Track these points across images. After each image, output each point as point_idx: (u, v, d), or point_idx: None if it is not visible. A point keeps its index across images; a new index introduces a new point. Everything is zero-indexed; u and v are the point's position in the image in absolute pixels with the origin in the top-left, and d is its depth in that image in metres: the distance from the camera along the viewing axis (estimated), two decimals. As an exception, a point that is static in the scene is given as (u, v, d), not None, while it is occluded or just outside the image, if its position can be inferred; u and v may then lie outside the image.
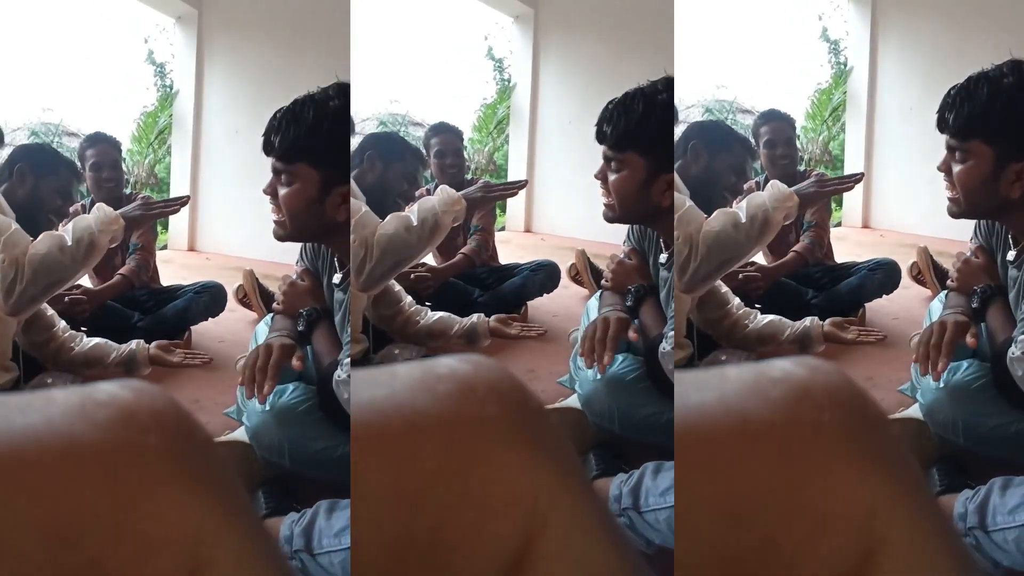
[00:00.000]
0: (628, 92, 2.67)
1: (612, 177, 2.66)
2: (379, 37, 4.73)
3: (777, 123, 3.88)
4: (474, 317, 3.16)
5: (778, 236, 3.69)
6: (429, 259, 3.77)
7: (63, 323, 3.03)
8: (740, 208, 2.63)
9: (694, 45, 4.69)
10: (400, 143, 3.93)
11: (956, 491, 2.29)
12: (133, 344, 3.03)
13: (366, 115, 4.69)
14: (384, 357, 3.00)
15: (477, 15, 4.75)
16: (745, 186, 3.69)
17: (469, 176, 4.08)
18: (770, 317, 2.98)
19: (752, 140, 3.84)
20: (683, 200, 2.64)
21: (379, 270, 2.72)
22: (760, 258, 3.62)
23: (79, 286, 3.56)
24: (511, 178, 4.51)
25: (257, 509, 2.49)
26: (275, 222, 2.59)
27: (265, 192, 2.58)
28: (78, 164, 3.81)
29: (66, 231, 2.65)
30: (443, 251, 3.79)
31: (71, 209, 3.83)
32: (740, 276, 3.38)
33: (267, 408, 2.63)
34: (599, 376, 2.73)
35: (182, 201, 2.98)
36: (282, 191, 2.49)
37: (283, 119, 2.51)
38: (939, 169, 2.46)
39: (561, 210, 3.89)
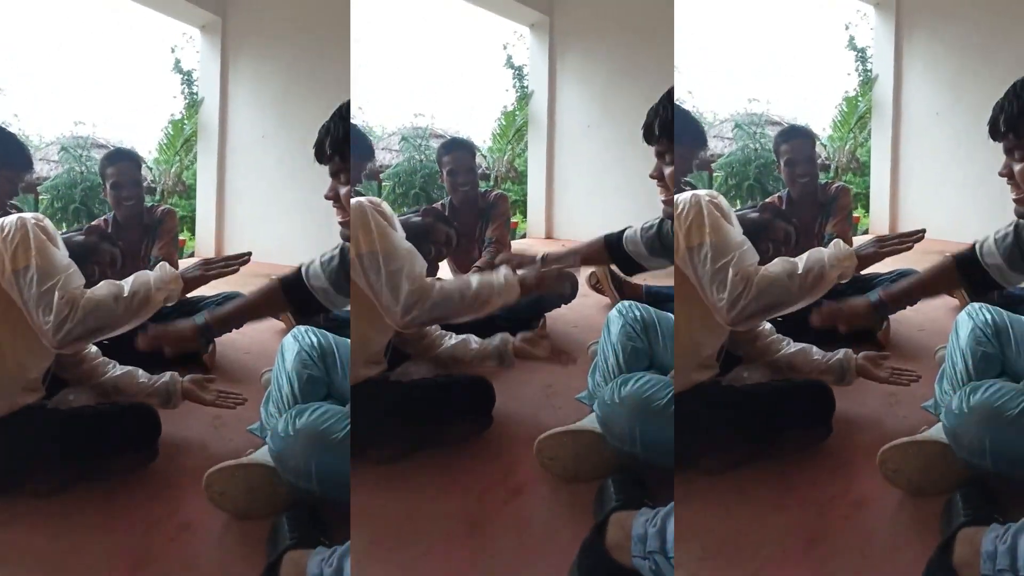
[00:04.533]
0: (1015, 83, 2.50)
1: (1020, 167, 2.47)
2: (399, 51, 4.75)
3: (797, 141, 3.83)
4: (497, 339, 3.10)
5: (804, 231, 3.71)
6: (445, 271, 3.78)
7: (95, 348, 3.04)
8: (800, 259, 2.62)
9: (722, 59, 4.71)
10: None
11: (983, 523, 2.25)
12: (167, 376, 3.02)
13: (392, 129, 4.71)
14: (400, 375, 2.98)
15: (495, 25, 4.77)
16: (768, 200, 3.74)
17: (490, 184, 4.06)
18: (801, 345, 2.94)
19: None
20: (738, 237, 2.64)
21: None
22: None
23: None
24: (531, 184, 4.51)
25: (281, 537, 2.45)
26: (340, 223, 2.76)
27: (327, 197, 2.72)
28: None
29: (126, 282, 2.69)
30: (460, 264, 3.82)
31: (94, 224, 3.87)
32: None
33: (291, 431, 2.59)
34: (620, 396, 2.71)
35: (242, 260, 2.98)
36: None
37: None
38: (1001, 175, 2.48)
39: (582, 215, 3.88)
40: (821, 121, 4.73)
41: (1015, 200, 2.46)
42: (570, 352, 3.01)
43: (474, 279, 2.76)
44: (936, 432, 2.59)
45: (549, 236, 4.36)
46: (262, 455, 2.67)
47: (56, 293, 2.60)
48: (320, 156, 2.74)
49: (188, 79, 5.19)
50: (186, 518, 2.62)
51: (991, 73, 4.45)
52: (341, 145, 2.69)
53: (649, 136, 2.83)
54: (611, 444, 2.71)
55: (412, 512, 2.62)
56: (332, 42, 4.19)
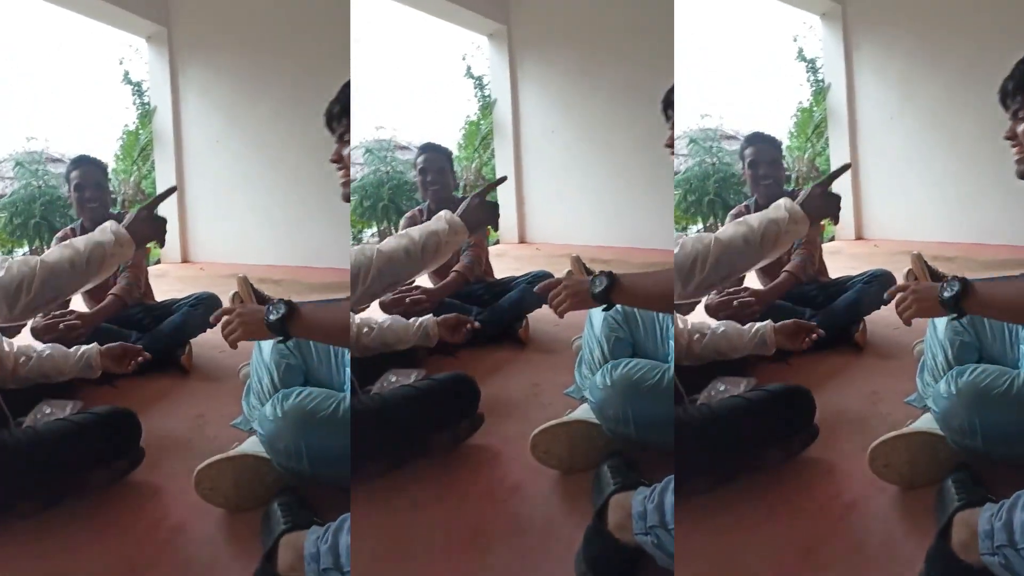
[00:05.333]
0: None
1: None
2: (360, 65, 4.76)
3: (761, 144, 3.86)
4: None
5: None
6: (424, 280, 3.79)
7: (4, 339, 3.00)
8: (752, 221, 2.58)
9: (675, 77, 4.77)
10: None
11: (976, 505, 2.25)
12: (83, 349, 3.01)
13: (355, 143, 4.71)
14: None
15: (453, 37, 4.80)
16: (733, 211, 3.76)
17: (459, 194, 4.08)
18: (723, 327, 3.03)
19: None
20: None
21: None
22: (753, 280, 3.65)
23: (72, 311, 3.58)
24: (500, 190, 4.54)
25: (274, 524, 2.44)
26: (341, 183, 2.74)
27: (332, 160, 2.68)
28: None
29: (79, 245, 2.57)
30: (437, 271, 3.79)
31: (60, 233, 3.83)
32: (735, 303, 3.43)
33: (279, 414, 2.60)
34: (611, 379, 2.75)
35: (169, 189, 2.99)
36: None
37: None
38: (1005, 137, 2.52)
39: (552, 218, 3.92)
40: (777, 133, 4.82)
41: (1016, 161, 2.50)
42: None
43: (415, 231, 2.76)
44: (923, 423, 2.64)
45: (522, 240, 4.39)
46: (249, 446, 2.68)
47: (8, 261, 2.50)
48: (330, 123, 2.72)
49: (138, 89, 5.17)
50: (178, 520, 2.59)
51: (939, 76, 4.61)
52: (342, 115, 2.70)
53: (1005, 97, 2.61)
54: (605, 428, 2.76)
55: (411, 524, 2.61)
56: (283, 46, 4.25)
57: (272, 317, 2.39)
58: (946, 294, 2.28)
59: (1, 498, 2.61)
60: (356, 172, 4.63)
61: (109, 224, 2.65)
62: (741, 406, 2.76)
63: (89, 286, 2.67)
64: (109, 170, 4.21)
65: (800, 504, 2.59)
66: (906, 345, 3.27)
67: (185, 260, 4.59)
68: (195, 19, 4.97)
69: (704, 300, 3.45)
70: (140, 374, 3.09)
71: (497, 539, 2.55)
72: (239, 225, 4.48)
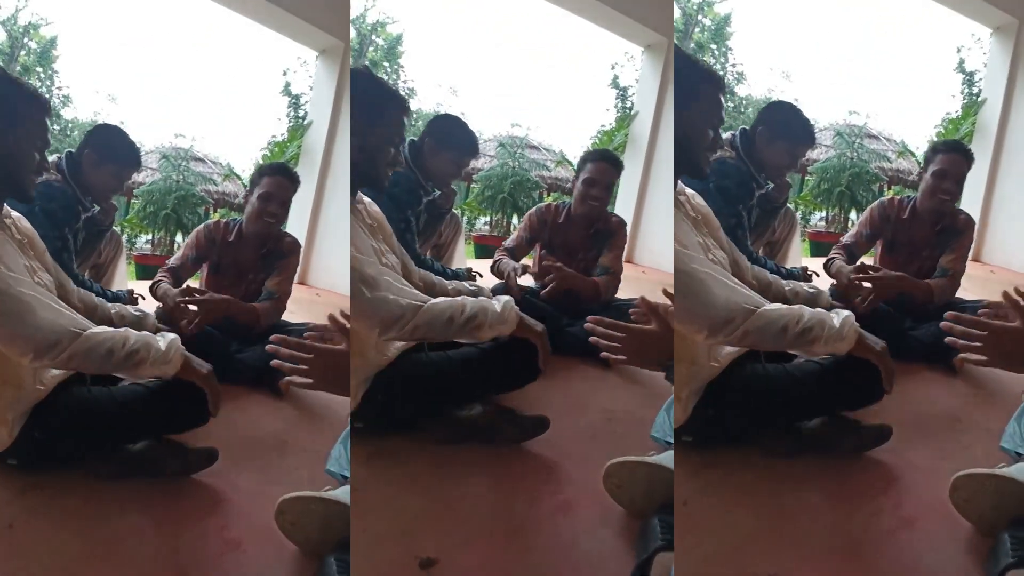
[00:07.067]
0: None
1: None
2: (496, 61, 4.75)
3: (956, 156, 3.61)
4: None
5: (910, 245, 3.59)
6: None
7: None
8: (803, 315, 2.51)
9: (828, 69, 4.63)
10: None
11: None
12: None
13: (488, 136, 4.71)
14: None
15: (606, 44, 4.74)
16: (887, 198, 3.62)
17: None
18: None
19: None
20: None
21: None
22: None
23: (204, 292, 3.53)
24: (619, 205, 4.44)
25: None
26: None
27: None
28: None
29: (129, 338, 2.56)
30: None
31: (205, 227, 3.78)
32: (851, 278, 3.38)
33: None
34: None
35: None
36: None
37: None
38: None
39: (665, 244, 3.82)
40: (918, 140, 4.63)
41: None
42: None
43: (471, 302, 2.73)
44: (1017, 471, 2.39)
45: (629, 260, 4.25)
46: (343, 494, 2.51)
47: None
48: None
49: (295, 102, 5.27)
50: (236, 535, 2.52)
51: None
52: None
53: None
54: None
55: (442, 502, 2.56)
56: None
57: None
58: None
59: (76, 452, 2.68)
60: (484, 164, 4.62)
61: (175, 341, 2.67)
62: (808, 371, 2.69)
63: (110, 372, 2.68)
64: (245, 177, 4.19)
65: (857, 503, 2.48)
66: (1009, 383, 2.95)
67: (302, 282, 4.49)
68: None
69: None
70: (233, 382, 3.07)
71: (535, 547, 2.45)
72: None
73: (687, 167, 2.68)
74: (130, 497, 2.62)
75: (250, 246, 3.73)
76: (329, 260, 4.76)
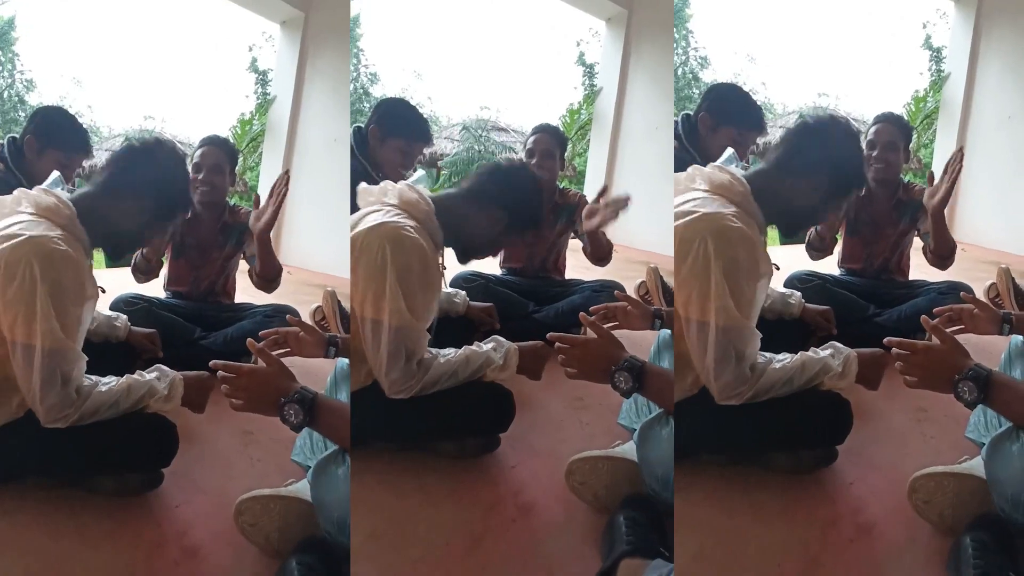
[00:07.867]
0: None
1: None
2: (464, 45, 4.70)
3: (885, 124, 3.58)
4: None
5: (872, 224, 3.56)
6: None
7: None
8: (804, 364, 2.48)
9: (794, 51, 4.62)
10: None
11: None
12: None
13: (455, 120, 4.67)
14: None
15: (569, 19, 4.70)
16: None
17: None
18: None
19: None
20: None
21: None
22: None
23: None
24: (588, 184, 4.39)
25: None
26: None
27: None
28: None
29: (132, 386, 2.50)
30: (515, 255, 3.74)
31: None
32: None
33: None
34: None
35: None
36: None
37: None
38: None
39: (637, 221, 3.78)
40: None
41: None
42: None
43: (475, 356, 2.73)
44: (978, 466, 2.33)
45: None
46: (303, 489, 2.45)
47: (62, 379, 2.41)
48: None
49: (263, 79, 5.21)
50: (195, 542, 2.44)
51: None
52: None
53: None
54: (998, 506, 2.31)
55: (413, 514, 2.52)
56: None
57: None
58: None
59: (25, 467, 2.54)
60: (450, 148, 4.57)
61: (176, 380, 2.59)
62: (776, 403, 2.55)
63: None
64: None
65: (815, 511, 2.43)
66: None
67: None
68: (335, 6, 4.94)
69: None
70: (196, 369, 2.80)
71: (496, 555, 2.42)
72: (334, 236, 4.40)
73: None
74: (81, 508, 2.53)
75: (203, 223, 3.62)
76: (299, 238, 4.72)
